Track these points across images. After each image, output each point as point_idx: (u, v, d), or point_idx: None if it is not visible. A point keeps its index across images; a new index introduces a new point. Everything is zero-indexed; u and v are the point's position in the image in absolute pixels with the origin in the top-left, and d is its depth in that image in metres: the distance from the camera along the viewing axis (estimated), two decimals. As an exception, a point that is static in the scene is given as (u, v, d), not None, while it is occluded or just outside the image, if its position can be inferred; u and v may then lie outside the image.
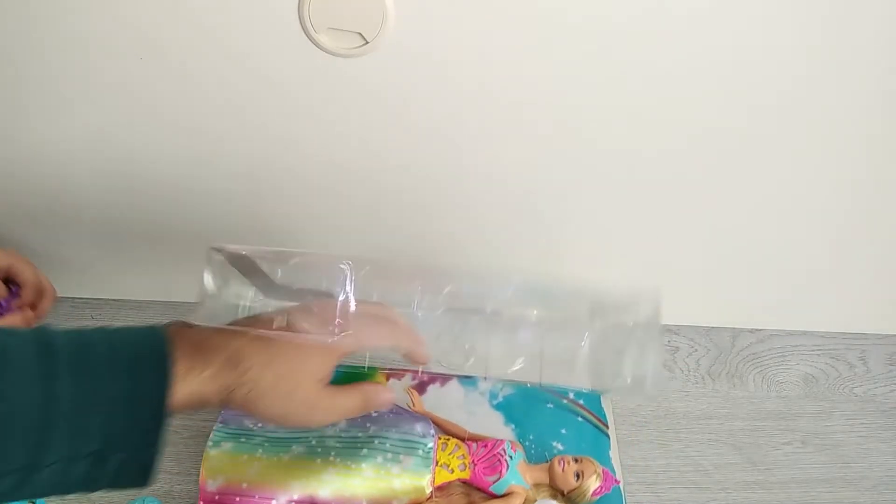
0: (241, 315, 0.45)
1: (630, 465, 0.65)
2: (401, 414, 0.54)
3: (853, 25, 0.46)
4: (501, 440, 0.54)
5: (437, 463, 0.51)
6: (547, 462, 0.54)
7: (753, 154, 0.56)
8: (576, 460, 0.53)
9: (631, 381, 0.46)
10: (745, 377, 0.75)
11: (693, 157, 0.56)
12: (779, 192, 0.60)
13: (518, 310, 0.46)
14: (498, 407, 0.60)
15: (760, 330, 0.78)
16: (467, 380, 0.61)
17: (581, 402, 0.60)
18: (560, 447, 0.58)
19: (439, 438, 0.53)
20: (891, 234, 0.66)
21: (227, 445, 0.54)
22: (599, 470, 0.53)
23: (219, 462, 0.53)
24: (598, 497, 0.53)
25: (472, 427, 0.57)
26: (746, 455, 0.68)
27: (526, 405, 0.60)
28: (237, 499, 0.48)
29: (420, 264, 0.44)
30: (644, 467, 0.66)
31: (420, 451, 0.51)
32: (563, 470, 0.52)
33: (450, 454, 0.52)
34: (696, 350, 0.76)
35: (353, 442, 0.53)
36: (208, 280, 0.44)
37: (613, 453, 0.59)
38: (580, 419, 0.60)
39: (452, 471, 0.52)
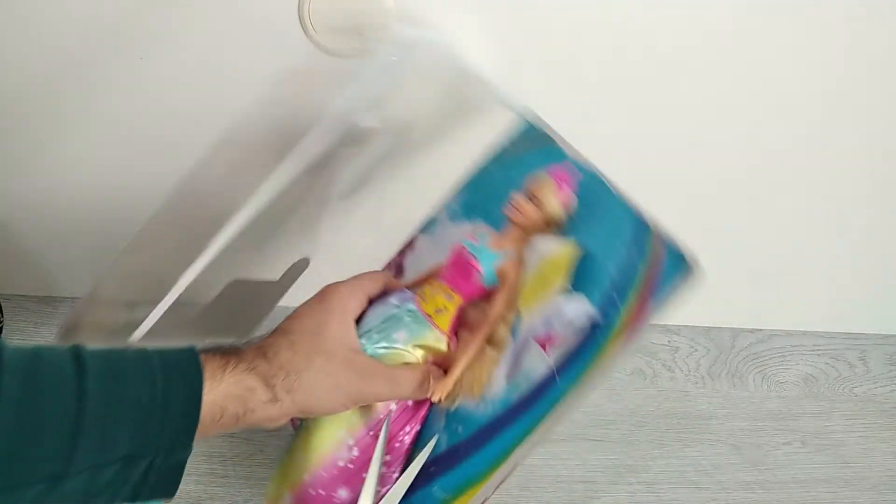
0: None
1: (630, 465, 0.65)
2: (372, 304, 0.49)
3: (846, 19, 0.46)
4: (456, 243, 0.49)
5: (430, 316, 0.48)
6: (509, 222, 0.48)
7: (753, 154, 0.56)
8: (526, 197, 0.47)
9: None
10: (745, 377, 0.75)
11: (693, 156, 0.56)
12: (779, 192, 0.60)
13: None
14: (454, 217, 0.53)
15: (760, 330, 0.78)
16: (428, 227, 0.55)
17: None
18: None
19: (416, 294, 0.49)
20: (891, 234, 0.66)
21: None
22: (548, 181, 0.46)
23: (274, 480, 0.51)
24: (571, 200, 0.46)
25: (450, 247, 0.51)
26: (746, 455, 0.68)
27: (473, 189, 0.53)
28: (311, 491, 0.46)
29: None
30: (644, 467, 0.66)
31: (406, 318, 0.48)
32: (522, 214, 0.47)
33: (432, 298, 0.48)
34: (696, 350, 0.76)
35: None
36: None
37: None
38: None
39: (446, 308, 0.48)
